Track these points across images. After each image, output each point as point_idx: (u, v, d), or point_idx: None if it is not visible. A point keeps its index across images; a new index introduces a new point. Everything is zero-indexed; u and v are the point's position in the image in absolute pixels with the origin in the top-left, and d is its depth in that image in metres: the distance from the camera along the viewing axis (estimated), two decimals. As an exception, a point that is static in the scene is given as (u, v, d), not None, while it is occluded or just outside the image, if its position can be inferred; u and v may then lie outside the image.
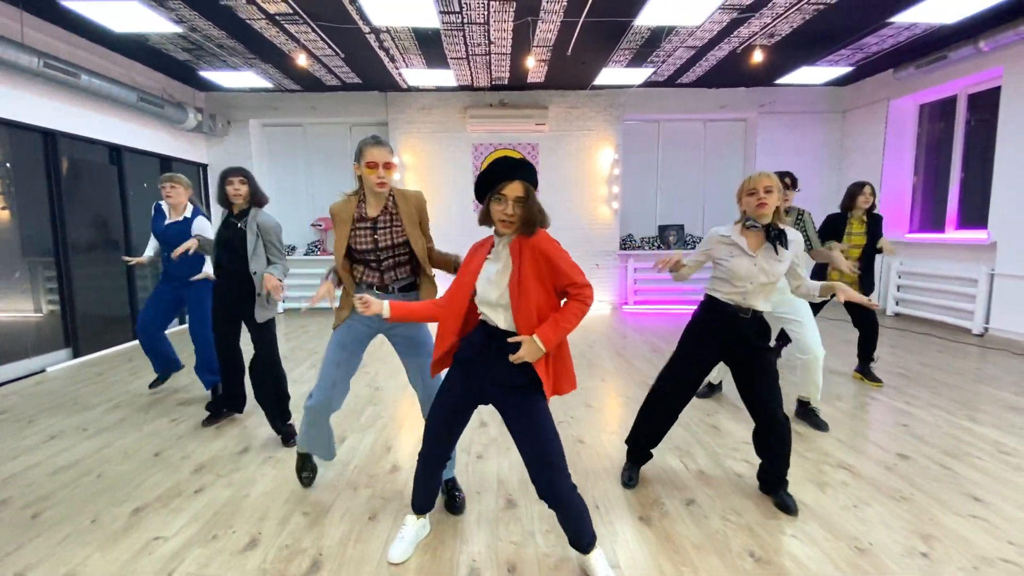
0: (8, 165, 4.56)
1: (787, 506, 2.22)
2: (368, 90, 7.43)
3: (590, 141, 7.69)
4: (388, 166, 2.11)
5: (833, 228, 3.80)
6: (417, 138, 7.62)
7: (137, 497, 2.42)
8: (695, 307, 2.43)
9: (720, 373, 3.70)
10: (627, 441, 2.55)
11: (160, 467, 2.72)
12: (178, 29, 4.97)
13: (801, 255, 2.29)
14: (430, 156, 7.66)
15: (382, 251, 2.17)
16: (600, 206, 7.81)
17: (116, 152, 5.79)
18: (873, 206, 3.78)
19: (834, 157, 7.80)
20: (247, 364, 3.09)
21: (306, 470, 2.51)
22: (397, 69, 6.39)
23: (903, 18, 4.96)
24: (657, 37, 5.41)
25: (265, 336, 2.97)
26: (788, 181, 3.18)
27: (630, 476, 2.49)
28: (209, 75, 6.51)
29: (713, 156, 8.11)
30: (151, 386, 3.90)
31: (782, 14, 4.82)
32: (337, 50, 5.68)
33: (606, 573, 1.77)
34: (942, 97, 6.52)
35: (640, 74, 6.74)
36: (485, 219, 1.75)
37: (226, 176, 2.87)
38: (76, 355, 5.08)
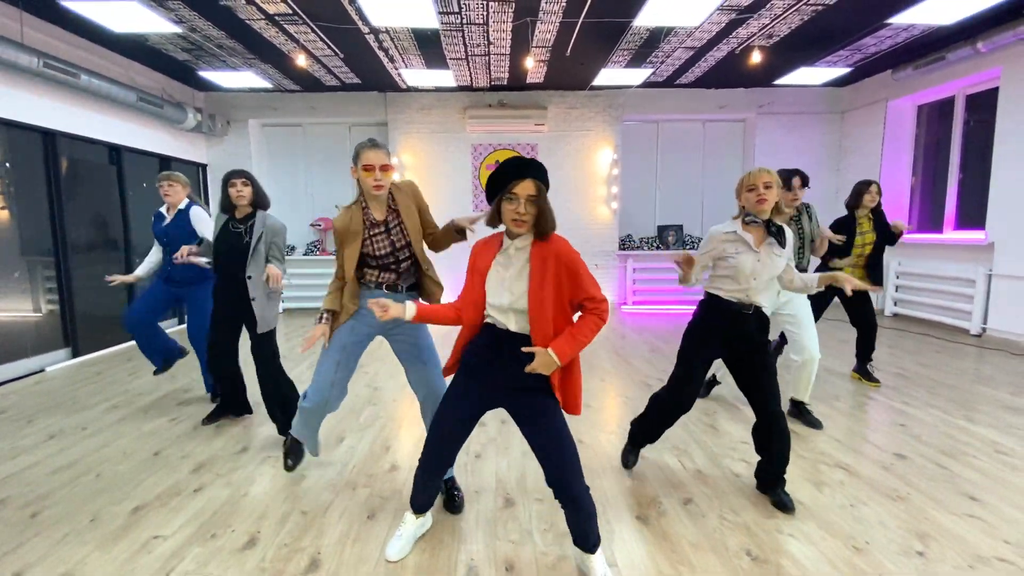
0: (8, 165, 4.57)
1: (784, 504, 2.23)
2: (367, 90, 7.44)
3: (589, 141, 7.70)
4: (385, 168, 2.10)
5: (847, 230, 3.75)
6: (416, 138, 7.63)
7: (136, 496, 2.42)
8: (694, 307, 2.42)
9: (713, 367, 3.71)
10: (631, 436, 2.60)
11: (159, 466, 2.73)
12: (178, 29, 4.98)
13: (789, 249, 2.31)
14: (429, 156, 7.67)
15: (399, 251, 2.19)
16: (599, 206, 7.82)
17: (115, 152, 5.80)
18: (879, 204, 3.79)
19: (832, 158, 7.81)
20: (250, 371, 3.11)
21: (292, 455, 2.56)
22: (396, 69, 6.39)
23: (901, 19, 4.97)
24: (656, 38, 5.42)
25: (265, 349, 2.94)
26: (799, 180, 3.13)
27: (631, 459, 2.61)
28: (208, 75, 6.52)
29: (712, 156, 8.13)
30: (155, 373, 3.69)
31: (780, 15, 4.83)
32: (336, 50, 5.69)
33: (604, 572, 1.78)
34: (940, 98, 6.54)
35: (639, 75, 6.75)
36: (494, 220, 1.73)
37: (228, 179, 2.84)
38: (75, 355, 5.09)
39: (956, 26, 5.21)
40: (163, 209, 3.57)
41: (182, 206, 3.49)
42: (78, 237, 5.22)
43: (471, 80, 6.92)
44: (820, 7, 4.67)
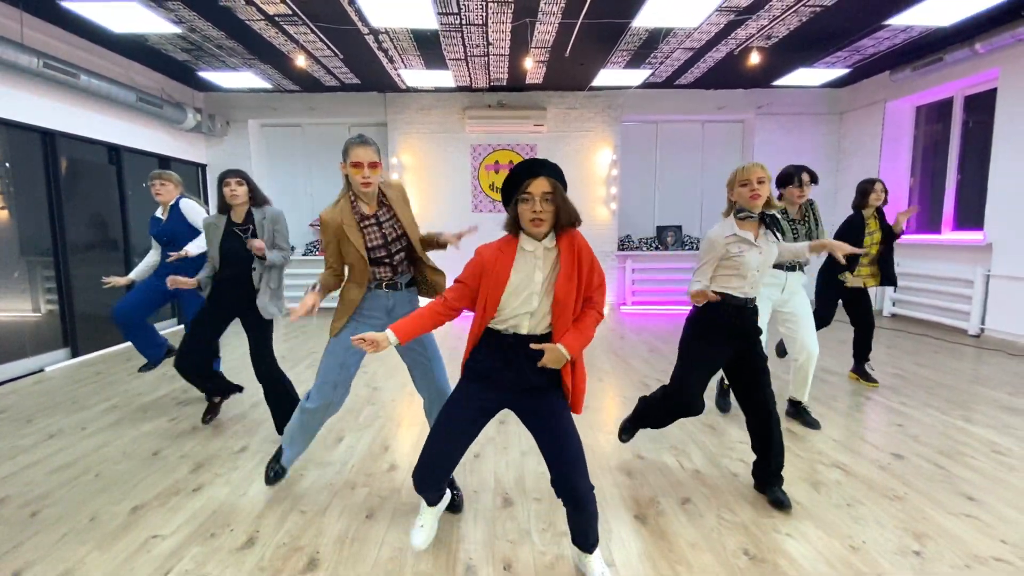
0: (7, 165, 4.57)
1: (781, 503, 2.23)
2: (367, 91, 7.44)
3: (588, 142, 7.71)
4: (373, 166, 2.09)
5: (858, 231, 3.72)
6: (416, 139, 7.63)
7: (135, 496, 2.43)
8: (693, 307, 2.38)
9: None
10: (636, 413, 2.66)
11: (158, 466, 2.73)
12: (177, 30, 4.98)
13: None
14: (429, 157, 7.67)
15: (392, 244, 2.17)
16: (598, 207, 7.83)
17: (115, 152, 5.80)
18: (884, 202, 3.75)
19: (831, 159, 7.82)
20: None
21: (278, 464, 2.47)
22: (396, 70, 6.40)
23: (899, 20, 4.98)
24: (655, 38, 5.43)
25: (265, 349, 2.93)
26: (806, 177, 3.07)
27: (625, 436, 2.71)
28: (208, 75, 6.52)
29: (711, 157, 8.13)
30: (141, 369, 3.73)
31: (779, 16, 4.84)
32: (336, 51, 5.69)
33: (602, 571, 1.78)
34: (938, 99, 6.55)
35: (638, 75, 6.76)
36: (513, 225, 1.70)
37: (222, 178, 2.82)
38: (75, 355, 5.09)
39: (954, 27, 5.22)
40: (158, 212, 3.59)
41: (173, 202, 3.51)
42: (77, 237, 5.22)
43: (470, 81, 6.93)
44: (818, 8, 4.68)
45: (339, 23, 4.91)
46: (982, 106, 5.98)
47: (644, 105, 7.67)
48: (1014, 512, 2.23)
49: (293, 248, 7.75)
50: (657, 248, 7.91)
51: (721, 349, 2.28)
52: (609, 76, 6.75)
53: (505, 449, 2.90)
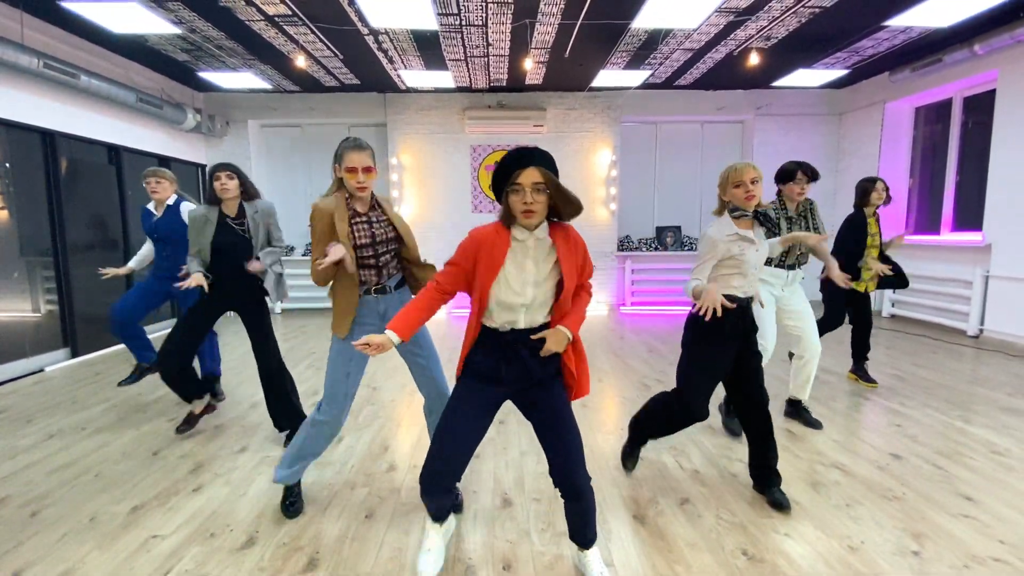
0: (7, 165, 4.57)
1: (780, 503, 2.24)
2: (367, 91, 7.45)
3: (588, 142, 7.72)
4: (368, 170, 2.08)
5: (860, 230, 3.67)
6: (415, 139, 7.64)
7: (135, 496, 2.43)
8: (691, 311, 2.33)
9: None
10: (636, 441, 2.58)
11: (158, 466, 2.74)
12: (177, 30, 4.99)
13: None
14: (428, 157, 7.68)
15: (379, 245, 2.15)
16: (598, 207, 7.84)
17: (115, 152, 5.80)
18: (887, 202, 3.71)
19: (831, 159, 7.83)
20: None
21: (291, 497, 2.29)
22: (395, 70, 6.41)
23: (898, 22, 4.99)
24: (654, 39, 5.43)
25: (266, 335, 2.93)
26: (807, 173, 3.00)
27: (630, 462, 2.59)
28: (208, 76, 6.52)
29: (711, 158, 8.14)
30: (121, 383, 3.65)
31: (778, 17, 4.85)
32: (336, 51, 5.70)
33: (601, 571, 1.79)
34: (938, 100, 6.56)
35: (638, 76, 6.77)
36: (506, 216, 1.66)
37: (213, 172, 2.78)
38: (74, 355, 5.09)
39: (953, 28, 5.23)
40: (150, 206, 3.54)
41: (171, 202, 3.48)
42: (77, 237, 5.23)
43: (470, 81, 6.94)
44: (817, 9, 4.69)
45: (339, 24, 4.92)
46: (981, 107, 5.99)
47: (644, 106, 7.68)
48: (1013, 512, 2.23)
49: (292, 248, 7.86)
50: (656, 249, 7.92)
51: (724, 349, 2.25)
52: (609, 77, 6.76)
53: (504, 449, 2.90)
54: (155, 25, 4.86)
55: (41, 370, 4.67)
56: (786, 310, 3.09)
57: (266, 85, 6.97)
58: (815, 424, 3.15)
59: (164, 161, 6.64)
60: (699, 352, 2.25)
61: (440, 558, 1.89)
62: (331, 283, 2.17)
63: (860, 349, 3.98)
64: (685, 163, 8.17)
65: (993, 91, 5.63)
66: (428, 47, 5.58)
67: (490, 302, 1.68)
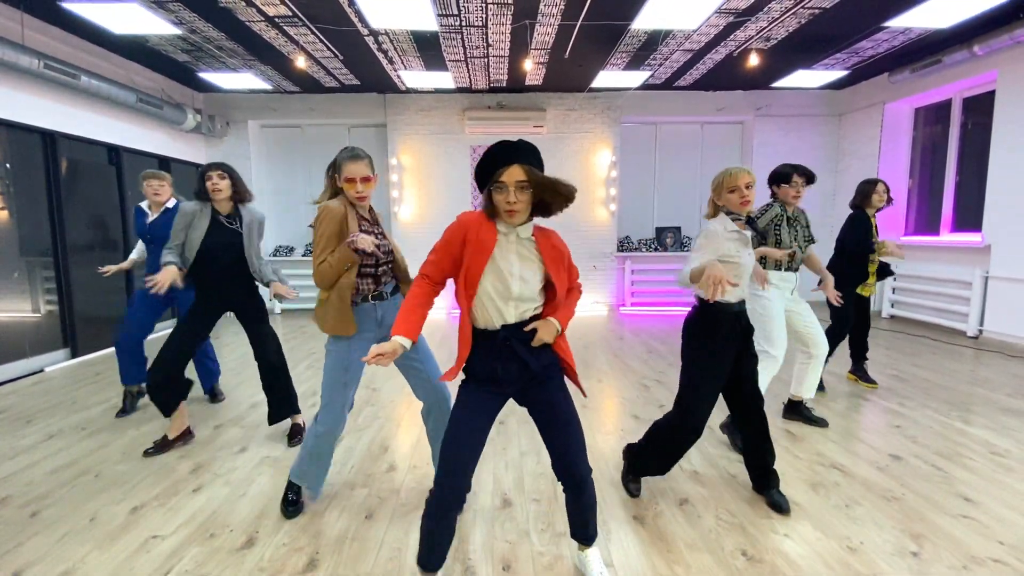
0: (8, 165, 4.58)
1: (779, 505, 2.24)
2: (367, 92, 7.45)
3: (588, 143, 7.73)
4: (366, 180, 2.09)
5: (866, 228, 3.61)
6: (415, 140, 7.64)
7: (135, 496, 2.43)
8: (688, 316, 2.30)
9: None
10: (633, 472, 2.44)
11: (158, 466, 2.74)
12: (178, 31, 4.99)
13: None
14: (428, 158, 7.68)
15: (381, 255, 2.18)
16: (598, 208, 7.84)
17: (115, 153, 5.81)
18: (888, 203, 3.68)
19: (830, 160, 7.84)
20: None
21: (291, 497, 2.28)
22: (395, 71, 6.41)
23: (898, 23, 5.00)
24: (654, 40, 5.44)
25: (265, 329, 2.97)
26: (803, 175, 2.99)
27: (633, 486, 2.43)
28: (208, 76, 6.53)
29: (710, 158, 8.15)
30: (118, 415, 3.45)
31: (778, 18, 4.86)
32: (336, 52, 5.71)
33: (600, 571, 1.79)
34: (937, 101, 6.57)
35: (638, 77, 6.77)
36: (490, 211, 1.63)
37: (205, 171, 2.77)
38: (74, 355, 5.09)
39: (952, 29, 5.24)
40: (144, 205, 3.52)
41: (170, 204, 3.47)
42: (77, 237, 5.23)
43: (470, 82, 6.94)
44: (817, 11, 4.69)
45: (339, 24, 4.93)
46: (980, 108, 5.99)
47: (643, 106, 7.69)
48: (1012, 513, 2.24)
49: (292, 249, 7.88)
50: (656, 249, 7.92)
51: (724, 351, 2.22)
52: (608, 77, 6.76)
53: (504, 449, 2.91)
54: (155, 26, 4.86)
55: (41, 370, 4.67)
56: (794, 312, 3.11)
57: (266, 86, 6.97)
58: (819, 422, 3.16)
59: (164, 161, 6.65)
60: (699, 355, 2.23)
61: None
62: (318, 285, 2.14)
63: (859, 350, 3.98)
64: (685, 164, 8.18)
65: (992, 92, 5.64)
66: (428, 48, 5.59)
67: (479, 291, 1.64)
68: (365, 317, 2.18)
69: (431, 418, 2.27)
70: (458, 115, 7.57)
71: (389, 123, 7.60)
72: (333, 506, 2.33)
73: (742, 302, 2.25)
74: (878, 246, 3.62)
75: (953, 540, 2.05)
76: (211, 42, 5.33)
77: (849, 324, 3.78)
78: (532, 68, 6.32)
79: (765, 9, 4.65)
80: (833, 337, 3.72)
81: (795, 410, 3.25)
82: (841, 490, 2.43)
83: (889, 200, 3.69)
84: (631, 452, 2.45)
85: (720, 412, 3.49)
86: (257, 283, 2.98)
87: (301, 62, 5.74)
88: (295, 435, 3.01)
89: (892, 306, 6.75)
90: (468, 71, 6.44)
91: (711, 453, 2.84)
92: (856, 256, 3.68)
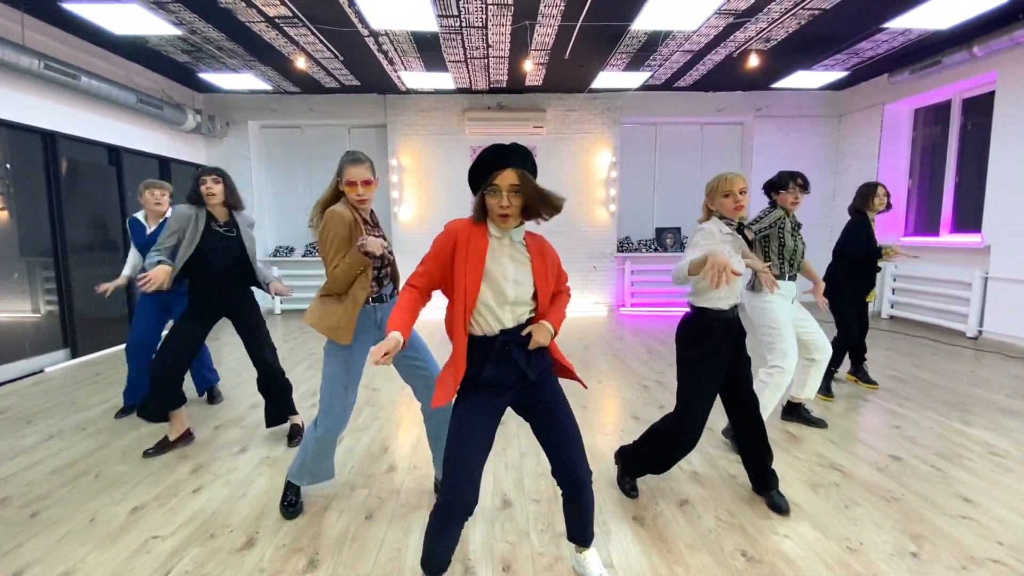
0: (8, 166, 4.58)
1: (779, 506, 2.24)
2: (367, 92, 7.46)
3: (588, 144, 7.73)
4: (367, 183, 2.11)
5: (868, 231, 3.62)
6: (415, 140, 7.65)
7: (135, 496, 2.44)
8: (683, 321, 2.29)
9: None
10: (629, 473, 2.44)
11: (158, 467, 2.74)
12: (178, 32, 5.00)
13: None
14: (428, 158, 7.69)
15: (384, 256, 2.20)
16: (598, 208, 7.84)
17: (115, 153, 5.81)
18: (888, 208, 3.68)
19: (830, 160, 7.85)
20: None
21: (291, 498, 2.29)
22: (396, 72, 6.42)
23: (897, 24, 5.00)
24: (654, 41, 5.45)
25: (261, 332, 2.98)
26: (800, 183, 2.99)
27: (630, 488, 2.43)
28: (208, 77, 6.53)
29: (710, 159, 8.15)
30: (118, 415, 3.46)
31: (777, 19, 4.86)
32: (336, 53, 5.71)
33: (600, 572, 1.79)
34: (937, 101, 6.57)
35: (637, 77, 6.78)
36: (482, 213, 1.64)
37: (200, 176, 2.78)
38: (74, 355, 5.09)
39: (952, 30, 5.24)
40: (140, 216, 3.48)
41: (168, 214, 3.42)
42: (77, 238, 5.23)
43: (470, 83, 6.95)
44: (816, 11, 4.70)
45: (339, 25, 4.93)
46: (980, 109, 6.00)
47: (643, 107, 7.69)
48: (1011, 514, 2.24)
49: (292, 249, 7.87)
50: (656, 250, 7.93)
51: (720, 354, 2.22)
52: (608, 78, 6.77)
53: (504, 450, 2.91)
54: (156, 26, 4.87)
55: (41, 371, 4.67)
56: (796, 320, 3.10)
57: (266, 86, 6.97)
58: (818, 423, 3.16)
59: (164, 162, 6.65)
60: (695, 359, 2.22)
61: None
62: (331, 290, 2.16)
63: (858, 351, 3.98)
64: (685, 164, 8.18)
65: (992, 93, 5.64)
66: (428, 48, 5.59)
67: (478, 302, 1.63)
68: (365, 319, 2.19)
69: (432, 419, 2.29)
70: (458, 116, 7.58)
71: (389, 124, 7.61)
72: (333, 507, 2.34)
73: (734, 308, 2.26)
74: (884, 251, 3.60)
75: (952, 541, 2.05)
76: (211, 43, 5.33)
77: (853, 333, 3.78)
78: (532, 69, 6.32)
79: (765, 10, 4.65)
80: (839, 347, 3.73)
81: (794, 412, 3.26)
82: (841, 491, 2.44)
83: (888, 205, 3.70)
84: (624, 454, 2.46)
85: (719, 413, 3.49)
86: (251, 287, 2.98)
87: (301, 63, 5.74)
88: (295, 435, 3.02)
89: (892, 307, 6.75)
90: (468, 72, 6.44)
91: (711, 453, 2.84)
92: (859, 262, 3.66)
